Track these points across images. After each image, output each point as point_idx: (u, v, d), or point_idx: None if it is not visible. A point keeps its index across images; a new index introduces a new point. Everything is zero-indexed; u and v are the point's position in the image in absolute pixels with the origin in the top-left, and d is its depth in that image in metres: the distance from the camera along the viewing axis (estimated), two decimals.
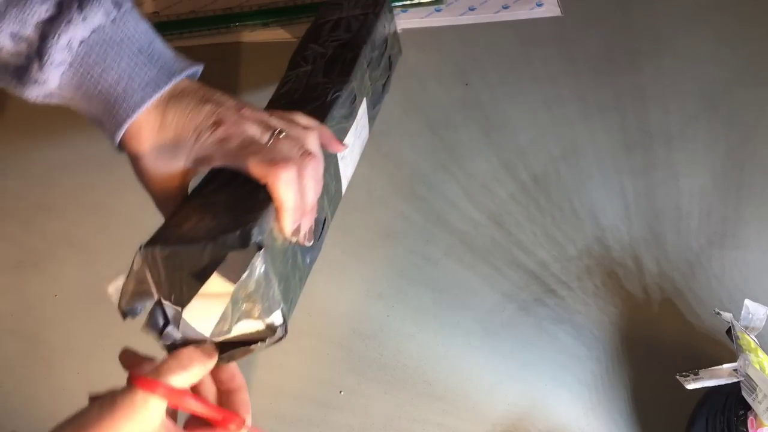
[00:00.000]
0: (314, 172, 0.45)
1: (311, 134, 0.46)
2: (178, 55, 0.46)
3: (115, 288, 0.40)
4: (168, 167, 0.45)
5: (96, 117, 0.44)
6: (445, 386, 0.65)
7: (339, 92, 0.62)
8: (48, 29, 0.41)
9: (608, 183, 0.76)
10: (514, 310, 0.69)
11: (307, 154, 0.44)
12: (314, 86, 0.64)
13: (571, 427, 0.64)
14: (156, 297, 0.40)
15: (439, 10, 0.86)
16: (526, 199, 0.75)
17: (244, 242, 0.39)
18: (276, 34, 0.83)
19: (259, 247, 0.39)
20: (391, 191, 0.74)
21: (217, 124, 0.44)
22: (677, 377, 0.57)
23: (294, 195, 0.43)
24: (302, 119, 0.48)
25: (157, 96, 0.43)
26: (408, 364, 0.66)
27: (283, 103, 0.63)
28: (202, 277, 0.39)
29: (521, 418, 0.64)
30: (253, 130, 0.44)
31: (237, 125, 0.44)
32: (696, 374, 0.56)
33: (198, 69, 0.46)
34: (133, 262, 0.40)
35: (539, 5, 0.87)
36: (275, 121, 0.46)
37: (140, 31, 0.44)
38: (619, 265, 0.72)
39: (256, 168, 0.43)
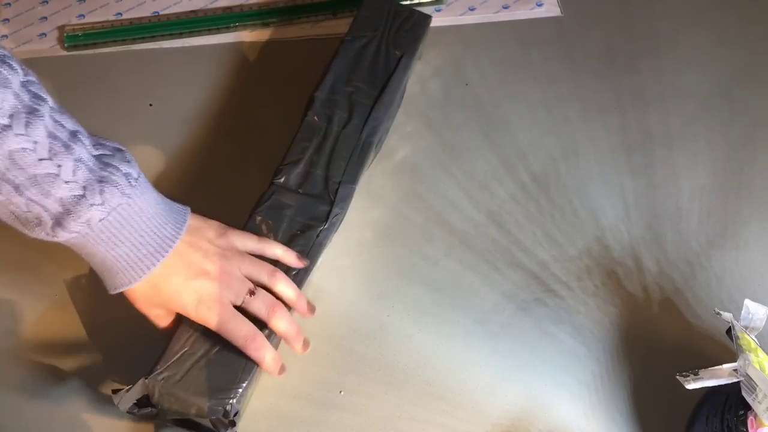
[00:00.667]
0: (281, 317, 0.57)
1: (278, 281, 0.58)
2: (171, 209, 0.53)
3: (118, 397, 0.53)
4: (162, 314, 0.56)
5: (96, 268, 0.51)
6: (445, 386, 0.65)
7: (328, 231, 0.64)
8: (71, 207, 0.45)
9: (608, 183, 0.76)
10: (513, 310, 0.69)
11: (272, 308, 0.57)
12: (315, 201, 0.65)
13: (570, 427, 0.64)
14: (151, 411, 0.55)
15: (439, 10, 0.86)
16: (526, 199, 0.75)
17: (225, 416, 0.54)
18: (276, 33, 0.83)
19: (233, 424, 0.55)
20: (391, 191, 0.74)
21: (199, 301, 0.53)
22: (677, 377, 0.57)
23: (268, 354, 0.56)
24: (274, 249, 0.60)
25: (151, 272, 0.51)
26: (408, 364, 0.66)
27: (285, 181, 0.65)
28: (182, 423, 0.56)
29: (521, 418, 0.64)
30: (230, 296, 0.55)
31: (217, 300, 0.54)
32: (696, 374, 0.56)
33: (187, 215, 0.54)
34: (137, 383, 0.54)
35: (539, 5, 0.87)
36: (250, 272, 0.57)
37: (148, 201, 0.50)
38: (619, 264, 0.72)
39: (235, 343, 0.55)
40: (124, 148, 0.51)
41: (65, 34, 0.80)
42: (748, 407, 0.55)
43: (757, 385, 0.53)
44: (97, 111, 0.76)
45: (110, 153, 0.49)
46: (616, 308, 0.70)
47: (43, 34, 0.80)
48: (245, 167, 0.74)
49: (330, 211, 0.64)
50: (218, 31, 0.83)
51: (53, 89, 0.77)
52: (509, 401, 0.65)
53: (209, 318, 0.54)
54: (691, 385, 0.56)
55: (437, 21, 0.85)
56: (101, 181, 0.46)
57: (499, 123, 0.79)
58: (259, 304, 0.56)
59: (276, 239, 0.62)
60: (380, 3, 0.77)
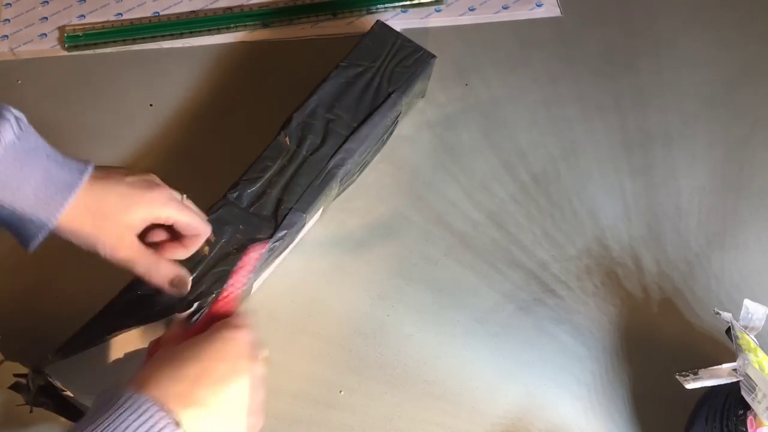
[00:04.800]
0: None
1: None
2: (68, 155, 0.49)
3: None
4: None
5: (11, 222, 0.47)
6: (445, 386, 0.65)
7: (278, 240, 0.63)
8: None
9: (608, 183, 0.77)
10: (513, 310, 0.69)
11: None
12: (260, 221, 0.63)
13: (570, 427, 0.64)
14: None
15: (439, 11, 0.86)
16: (525, 199, 0.75)
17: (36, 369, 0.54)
18: (276, 33, 0.83)
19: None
20: (391, 191, 0.74)
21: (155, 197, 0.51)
22: (677, 377, 0.57)
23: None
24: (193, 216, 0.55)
25: (73, 196, 0.46)
26: (408, 364, 0.66)
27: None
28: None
29: (521, 417, 0.64)
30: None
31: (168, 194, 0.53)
32: (695, 374, 0.57)
33: (89, 167, 0.49)
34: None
35: (539, 5, 0.87)
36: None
37: (41, 141, 0.47)
38: (619, 264, 0.72)
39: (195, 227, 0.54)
40: (7, 105, 0.47)
41: (66, 35, 0.80)
42: (747, 407, 0.55)
43: (757, 385, 0.53)
44: (98, 111, 0.76)
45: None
46: (616, 308, 0.70)
47: (44, 35, 0.80)
48: (245, 167, 0.74)
49: (271, 236, 0.62)
50: (218, 31, 0.83)
51: (54, 89, 0.77)
52: (509, 401, 0.65)
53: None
54: (691, 385, 0.56)
55: (437, 21, 0.86)
56: None
57: (499, 123, 0.79)
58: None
59: (210, 252, 0.60)
60: (387, 34, 0.74)
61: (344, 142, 0.67)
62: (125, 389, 0.39)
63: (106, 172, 0.49)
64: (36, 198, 0.45)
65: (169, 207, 0.51)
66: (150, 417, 0.37)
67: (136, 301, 0.57)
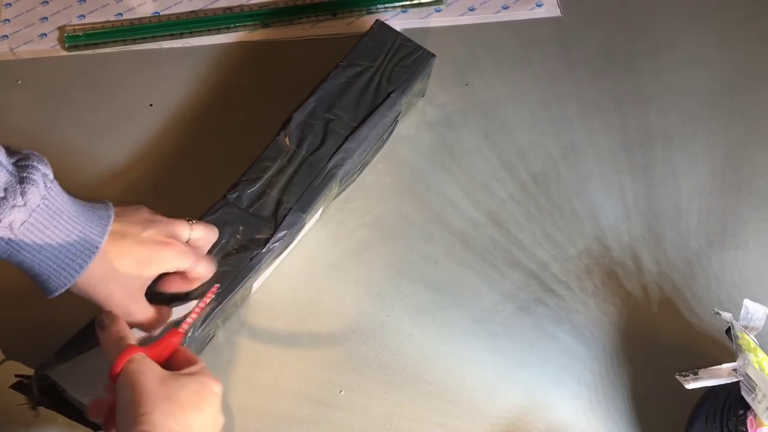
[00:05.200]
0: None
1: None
2: (92, 208, 0.50)
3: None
4: None
5: (32, 275, 0.48)
6: (445, 386, 0.65)
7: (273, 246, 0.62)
8: None
9: (608, 183, 0.77)
10: (513, 309, 0.69)
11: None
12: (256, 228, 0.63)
13: (570, 427, 0.64)
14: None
15: (439, 11, 0.86)
16: (525, 199, 0.75)
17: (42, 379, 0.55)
18: (276, 33, 0.83)
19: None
20: (391, 191, 0.74)
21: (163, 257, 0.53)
22: (677, 377, 0.57)
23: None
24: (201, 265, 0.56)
25: (90, 262, 0.48)
26: (408, 364, 0.66)
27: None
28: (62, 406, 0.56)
29: (521, 417, 0.64)
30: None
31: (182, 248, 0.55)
32: (695, 374, 0.57)
33: (110, 210, 0.51)
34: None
35: (539, 5, 0.87)
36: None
37: (66, 201, 0.48)
38: (619, 264, 0.72)
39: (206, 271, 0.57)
40: (36, 153, 0.48)
41: (66, 35, 0.80)
42: (747, 407, 0.55)
43: (757, 385, 0.53)
44: (98, 111, 0.76)
45: (25, 155, 0.47)
46: (616, 308, 0.70)
47: (44, 35, 0.80)
48: (245, 167, 0.74)
49: (270, 237, 0.62)
50: (218, 31, 0.83)
51: (54, 89, 0.77)
52: (509, 401, 0.65)
53: (184, 260, 0.54)
54: (691, 385, 0.56)
55: (437, 21, 0.86)
56: (22, 182, 0.45)
57: (499, 123, 0.79)
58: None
59: (210, 253, 0.60)
60: (386, 34, 0.74)
61: (344, 142, 0.67)
62: (127, 426, 0.43)
63: (123, 227, 0.51)
64: (57, 260, 0.47)
65: (180, 262, 0.54)
66: None
67: None
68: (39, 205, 0.46)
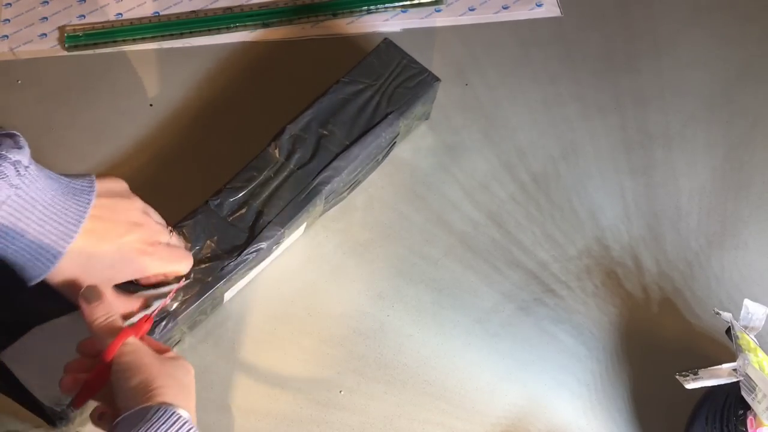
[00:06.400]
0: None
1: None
2: (72, 191, 0.49)
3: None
4: None
5: (8, 263, 0.47)
6: (445, 386, 0.65)
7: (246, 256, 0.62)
8: None
9: (608, 183, 0.77)
10: (513, 309, 0.69)
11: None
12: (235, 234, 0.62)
13: (570, 427, 0.64)
14: None
15: (439, 11, 0.86)
16: (526, 199, 0.75)
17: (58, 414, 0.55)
18: (276, 33, 0.83)
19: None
20: (391, 191, 0.74)
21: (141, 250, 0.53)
22: (677, 377, 0.57)
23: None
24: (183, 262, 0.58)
25: (58, 262, 0.47)
26: (408, 363, 0.66)
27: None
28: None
29: (521, 417, 0.64)
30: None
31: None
32: (695, 374, 0.57)
33: (91, 193, 0.49)
34: None
35: (539, 5, 0.87)
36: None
37: (42, 189, 0.46)
38: (619, 264, 0.72)
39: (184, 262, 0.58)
40: (16, 133, 0.47)
41: (66, 35, 0.80)
42: (747, 407, 0.55)
43: (757, 385, 0.53)
44: (98, 111, 0.76)
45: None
46: (616, 308, 0.70)
47: (44, 35, 0.80)
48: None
49: (244, 249, 0.61)
50: (218, 31, 0.83)
51: (54, 89, 0.77)
52: (509, 401, 0.65)
53: (154, 261, 0.53)
54: (691, 385, 0.56)
55: (437, 21, 0.86)
56: None
57: (499, 123, 0.79)
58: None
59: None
60: (392, 53, 0.73)
61: (333, 160, 0.66)
62: (141, 402, 0.44)
63: (105, 226, 0.50)
64: (31, 251, 0.46)
65: (156, 268, 0.54)
66: (182, 422, 0.44)
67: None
68: (10, 197, 0.44)
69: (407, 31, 0.84)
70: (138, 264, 0.52)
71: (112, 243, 0.50)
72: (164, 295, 0.56)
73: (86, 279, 0.50)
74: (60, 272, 0.48)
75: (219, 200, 0.63)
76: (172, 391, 0.45)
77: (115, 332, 0.47)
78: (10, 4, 0.82)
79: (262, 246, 0.62)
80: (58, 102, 0.76)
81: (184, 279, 0.58)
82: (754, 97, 0.83)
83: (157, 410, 0.43)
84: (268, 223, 0.62)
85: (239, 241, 0.61)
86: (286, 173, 0.65)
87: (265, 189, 0.64)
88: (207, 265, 0.60)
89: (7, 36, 0.80)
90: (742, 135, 0.81)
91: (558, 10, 0.87)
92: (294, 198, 0.64)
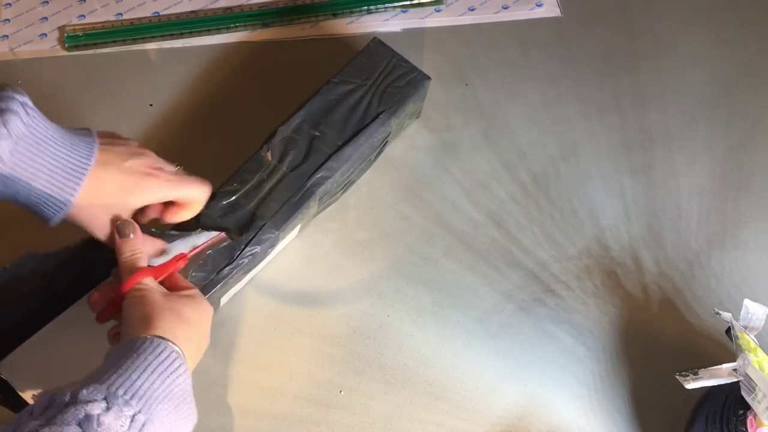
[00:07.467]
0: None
1: None
2: (75, 131, 0.51)
3: None
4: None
5: (29, 204, 0.49)
6: (445, 386, 0.65)
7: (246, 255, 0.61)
8: None
9: (608, 183, 0.77)
10: (513, 310, 0.69)
11: None
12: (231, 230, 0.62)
13: (570, 427, 0.64)
14: None
15: (439, 11, 0.86)
16: (526, 199, 0.75)
17: None
18: (276, 33, 0.83)
19: None
20: (391, 191, 0.74)
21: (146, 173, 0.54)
22: (677, 377, 0.57)
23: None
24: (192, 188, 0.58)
25: (81, 185, 0.49)
26: (408, 363, 0.66)
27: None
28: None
29: (521, 417, 0.64)
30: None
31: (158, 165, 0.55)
32: (695, 374, 0.57)
33: (93, 136, 0.52)
34: None
35: (539, 5, 0.87)
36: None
37: (49, 127, 0.48)
38: (619, 264, 0.72)
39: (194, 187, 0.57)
40: (11, 86, 0.49)
41: (66, 35, 0.80)
42: (747, 407, 0.55)
43: (757, 385, 0.53)
44: (98, 111, 0.76)
45: (1, 88, 0.47)
46: (616, 308, 0.70)
47: (44, 35, 0.80)
48: None
49: (240, 252, 0.61)
50: (218, 31, 0.83)
51: (54, 89, 0.77)
52: (509, 401, 0.65)
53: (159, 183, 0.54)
54: (691, 385, 0.56)
55: (437, 21, 0.86)
56: (1, 113, 0.45)
57: (499, 123, 0.79)
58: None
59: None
60: (382, 52, 0.72)
61: (326, 161, 0.66)
62: (138, 333, 0.46)
63: (107, 156, 0.51)
64: (49, 187, 0.48)
65: (165, 191, 0.54)
66: (169, 353, 0.45)
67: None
68: (24, 133, 0.46)
69: (407, 31, 0.84)
70: (145, 186, 0.53)
71: (117, 167, 0.51)
72: (198, 243, 0.59)
73: (97, 208, 0.51)
74: (80, 202, 0.50)
75: (212, 204, 0.62)
76: (169, 325, 0.47)
77: (136, 269, 0.51)
78: (10, 4, 0.82)
79: (256, 249, 0.61)
80: (58, 102, 0.76)
81: (223, 234, 0.60)
82: (754, 97, 0.83)
83: (145, 341, 0.45)
84: (263, 226, 0.62)
85: (234, 244, 0.61)
86: (279, 175, 0.65)
87: (259, 192, 0.64)
88: (203, 269, 0.60)
89: (7, 36, 0.80)
90: (742, 135, 0.81)
91: (558, 10, 0.87)
92: (288, 200, 0.64)
